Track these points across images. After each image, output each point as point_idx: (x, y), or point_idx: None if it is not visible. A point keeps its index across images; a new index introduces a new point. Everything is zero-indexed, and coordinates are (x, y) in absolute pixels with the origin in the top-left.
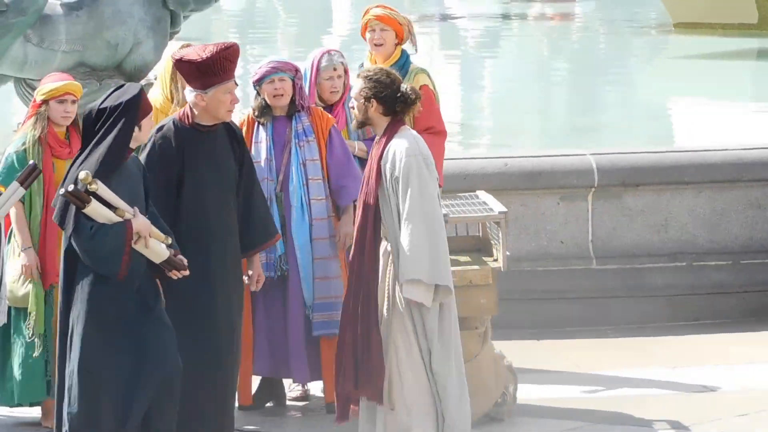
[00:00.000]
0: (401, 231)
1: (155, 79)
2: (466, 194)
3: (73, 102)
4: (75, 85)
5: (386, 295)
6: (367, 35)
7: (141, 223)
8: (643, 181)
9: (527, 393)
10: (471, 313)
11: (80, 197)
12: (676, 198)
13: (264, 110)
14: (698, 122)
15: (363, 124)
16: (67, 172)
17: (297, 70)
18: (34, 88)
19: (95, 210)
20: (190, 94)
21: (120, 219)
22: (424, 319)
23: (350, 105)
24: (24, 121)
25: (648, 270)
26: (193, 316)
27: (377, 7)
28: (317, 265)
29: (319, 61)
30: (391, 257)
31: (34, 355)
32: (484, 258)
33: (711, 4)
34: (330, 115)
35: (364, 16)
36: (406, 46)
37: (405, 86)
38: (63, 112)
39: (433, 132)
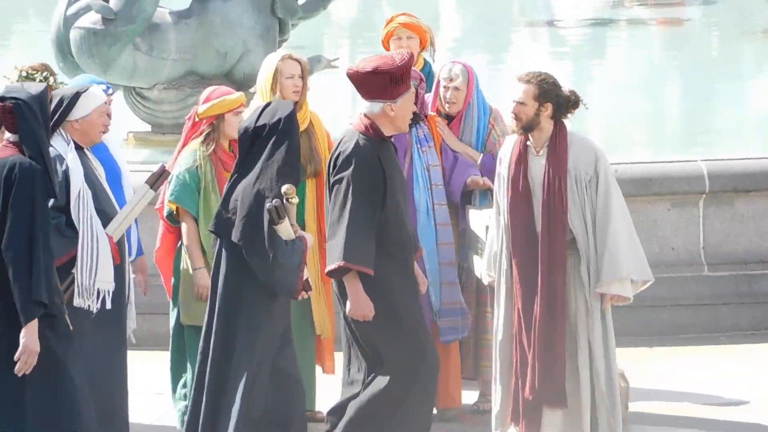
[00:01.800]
0: (608, 231)
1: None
2: None
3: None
4: (244, 97)
5: (573, 296)
6: (392, 43)
7: (311, 239)
8: (755, 186)
9: (640, 401)
10: None
11: (279, 212)
12: None
13: None
14: None
15: (530, 128)
16: (228, 189)
17: (421, 79)
18: (143, 97)
19: (284, 225)
20: (375, 105)
21: (295, 235)
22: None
23: (512, 111)
24: (185, 139)
25: (760, 276)
26: (410, 320)
27: (402, 15)
28: (443, 270)
29: (441, 71)
30: (574, 260)
31: None
32: None
33: None
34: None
35: (388, 24)
36: (425, 55)
37: (566, 89)
38: (238, 124)
39: None
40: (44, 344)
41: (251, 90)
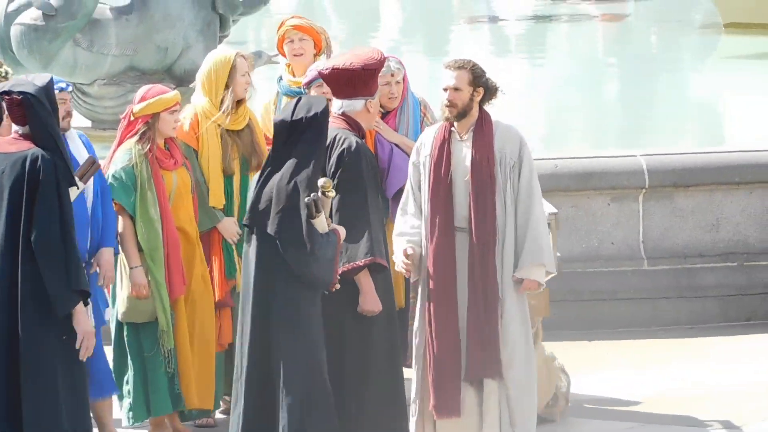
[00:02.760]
0: (531, 217)
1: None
2: None
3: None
4: (179, 95)
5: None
6: (286, 47)
7: (343, 232)
8: (694, 181)
9: (579, 394)
10: None
11: (317, 205)
12: (727, 198)
13: None
14: (749, 122)
15: (464, 114)
16: (262, 182)
17: None
18: (83, 92)
19: (321, 218)
20: (357, 103)
21: (328, 228)
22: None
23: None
24: (121, 138)
25: (699, 270)
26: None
27: (293, 17)
28: None
29: None
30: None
31: (165, 369)
32: None
33: (762, 3)
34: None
35: (280, 28)
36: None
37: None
38: (173, 123)
39: None
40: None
41: (191, 86)
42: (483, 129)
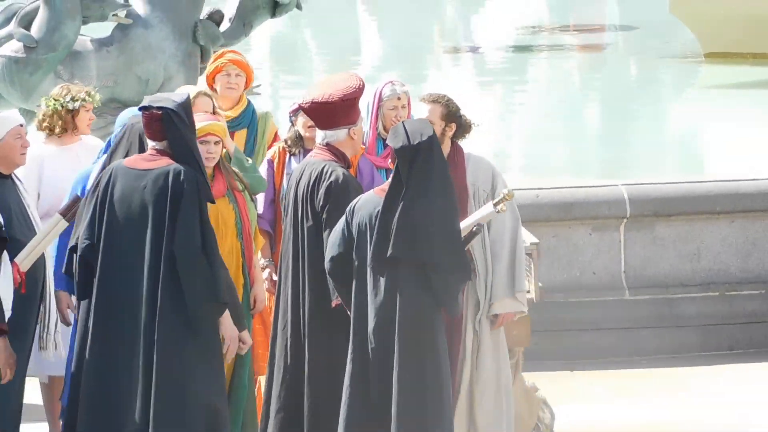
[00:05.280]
0: (503, 248)
1: None
2: None
3: (216, 143)
4: (218, 126)
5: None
6: (219, 79)
7: None
8: (675, 210)
9: (561, 425)
10: None
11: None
12: (708, 227)
13: (297, 141)
14: (730, 152)
15: None
16: (402, 212)
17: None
18: None
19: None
20: (340, 132)
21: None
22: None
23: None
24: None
25: (681, 300)
26: None
27: (230, 51)
28: None
29: (382, 91)
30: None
31: None
32: None
33: (742, 33)
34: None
35: (216, 59)
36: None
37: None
38: (206, 153)
39: None
40: None
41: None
42: (455, 162)
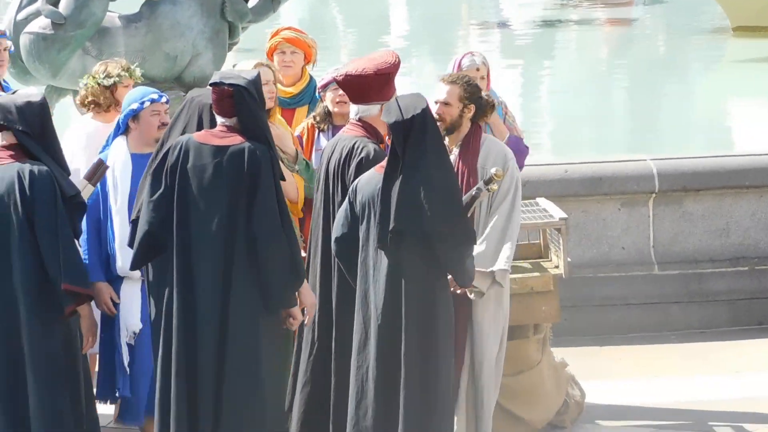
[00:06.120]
0: (488, 225)
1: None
2: (527, 201)
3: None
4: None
5: None
6: (276, 57)
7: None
8: (704, 185)
9: (589, 400)
10: (532, 321)
11: (474, 198)
12: (737, 202)
13: (325, 117)
14: (759, 126)
15: (452, 129)
16: (401, 186)
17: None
18: None
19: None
20: (373, 108)
21: None
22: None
23: (436, 111)
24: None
25: (710, 275)
26: None
27: (287, 29)
28: None
29: (461, 62)
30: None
31: None
32: (544, 265)
33: None
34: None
35: (272, 37)
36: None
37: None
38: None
39: None
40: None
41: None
42: (470, 144)
